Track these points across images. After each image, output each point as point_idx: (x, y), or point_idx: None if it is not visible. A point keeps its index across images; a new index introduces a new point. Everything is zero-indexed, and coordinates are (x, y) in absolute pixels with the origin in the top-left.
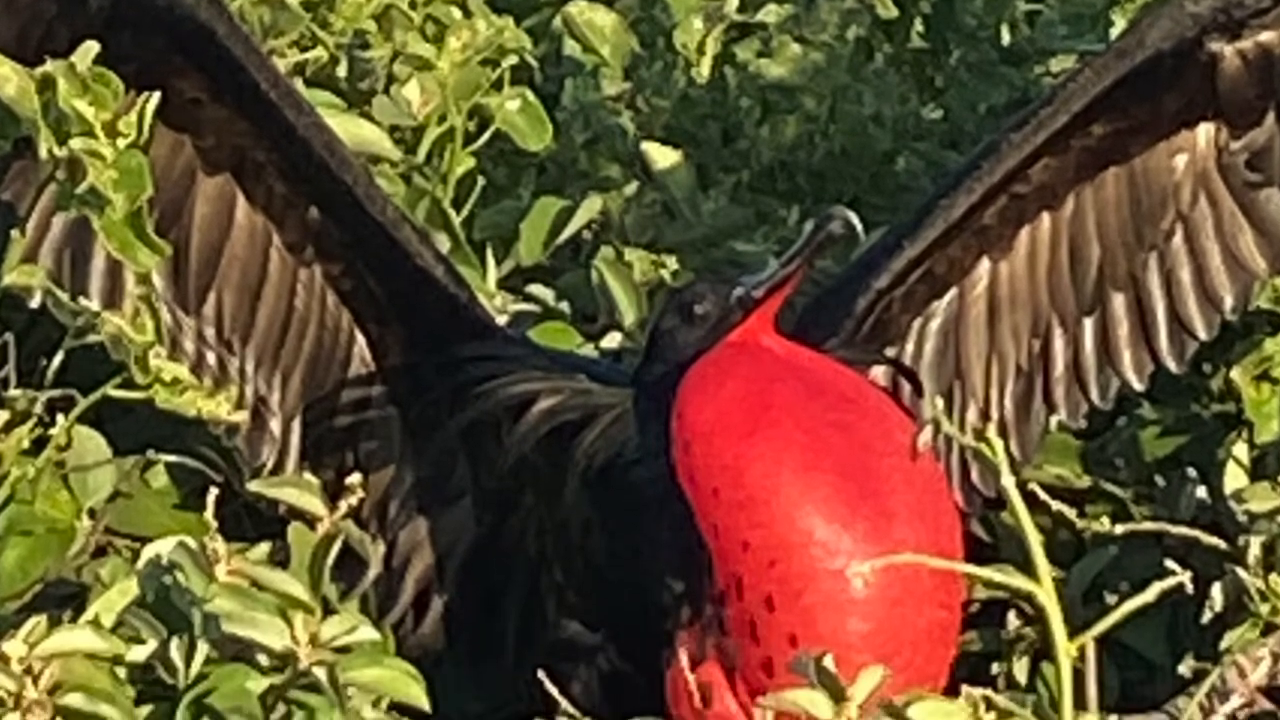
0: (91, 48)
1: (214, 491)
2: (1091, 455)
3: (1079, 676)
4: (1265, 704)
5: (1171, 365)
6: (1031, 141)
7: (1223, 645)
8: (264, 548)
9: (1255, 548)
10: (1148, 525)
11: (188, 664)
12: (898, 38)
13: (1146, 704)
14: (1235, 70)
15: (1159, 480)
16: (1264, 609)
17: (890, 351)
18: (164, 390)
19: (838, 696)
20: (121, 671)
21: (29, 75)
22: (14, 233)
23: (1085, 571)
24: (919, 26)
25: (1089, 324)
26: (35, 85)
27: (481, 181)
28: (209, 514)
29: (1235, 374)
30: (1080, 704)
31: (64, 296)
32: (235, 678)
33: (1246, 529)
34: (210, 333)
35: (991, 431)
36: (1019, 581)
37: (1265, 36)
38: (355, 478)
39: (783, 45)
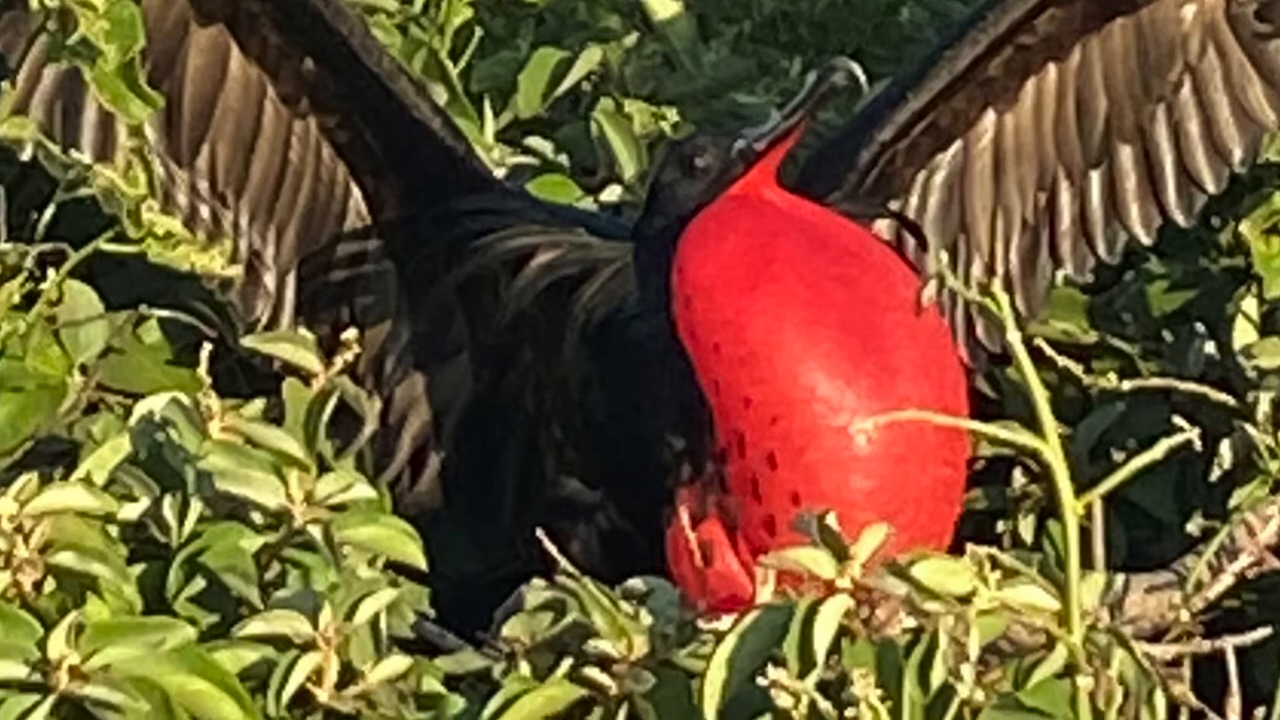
0: None
1: (207, 347)
2: (1098, 310)
3: (1085, 535)
4: (1275, 562)
5: (1179, 218)
6: None
7: (1231, 503)
8: (258, 404)
9: (1264, 404)
10: (1155, 381)
11: (181, 522)
12: None
13: (1154, 563)
14: None
15: (1167, 335)
16: (1273, 466)
17: (894, 205)
18: (157, 244)
19: (840, 555)
20: (113, 530)
21: None
22: (4, 84)
23: (1092, 428)
24: None
25: (1096, 177)
26: None
27: (479, 32)
28: (202, 370)
29: (1244, 227)
30: (1087, 563)
31: (55, 149)
32: (229, 536)
33: (1256, 385)
34: (204, 186)
35: (997, 286)
36: (1025, 438)
37: None
38: (351, 333)
39: None
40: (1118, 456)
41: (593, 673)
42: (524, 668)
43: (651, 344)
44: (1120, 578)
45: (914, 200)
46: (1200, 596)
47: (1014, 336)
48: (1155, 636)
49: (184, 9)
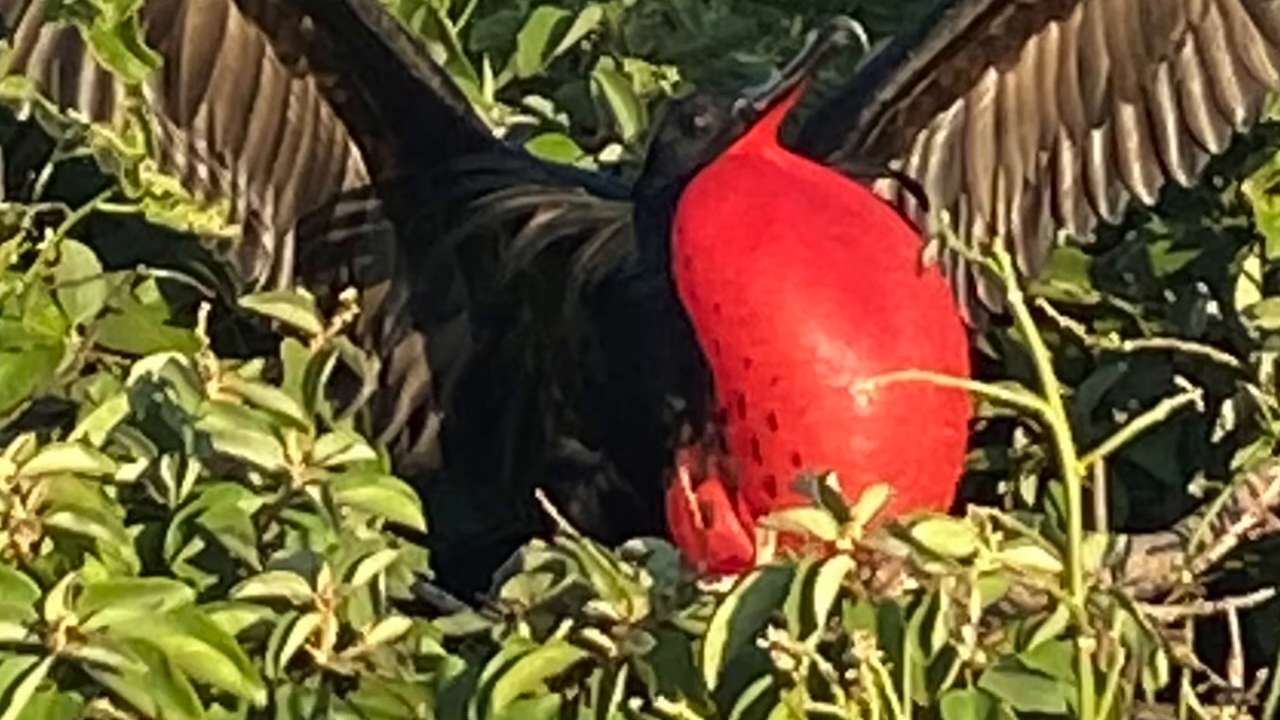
0: None
1: (205, 307)
2: (1100, 270)
3: (1087, 496)
4: (1277, 523)
5: (1182, 178)
6: None
7: (1234, 464)
8: (256, 365)
9: (1267, 364)
10: (1157, 341)
11: (179, 483)
12: None
13: (1156, 524)
14: None
15: (1169, 295)
16: (1276, 427)
17: (895, 164)
18: (155, 204)
19: (841, 516)
20: (111, 491)
21: None
22: (2, 43)
23: (1094, 389)
24: None
25: (1098, 136)
26: None
27: None
28: (200, 330)
29: (1247, 187)
30: (1089, 524)
31: (53, 108)
32: (227, 497)
33: (1258, 345)
34: (202, 145)
35: (998, 246)
36: (1026, 399)
37: None
38: (350, 293)
39: None
40: (1120, 417)
41: (592, 634)
42: (523, 629)
43: (651, 304)
44: (1122, 539)
45: (915, 160)
46: (1202, 558)
47: (1015, 296)
48: (1157, 598)
49: None
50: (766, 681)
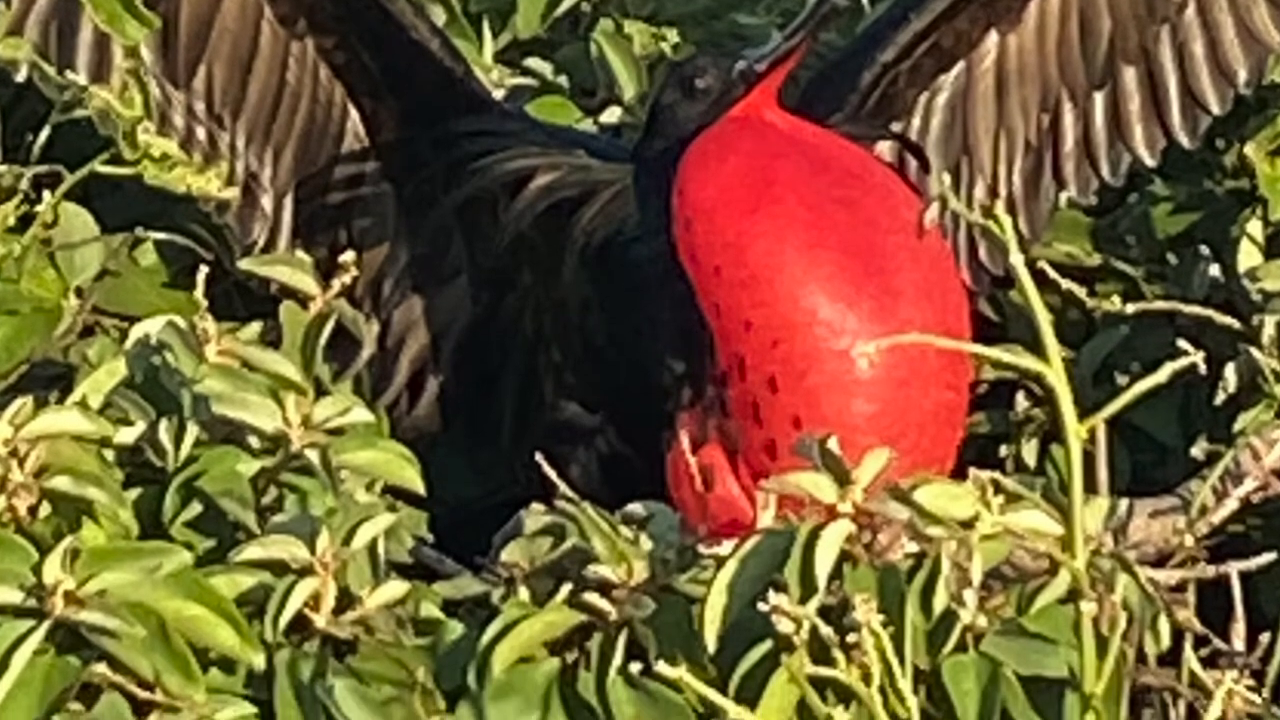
0: None
1: (204, 270)
2: (1102, 233)
3: (1089, 459)
4: (1279, 486)
5: (1184, 140)
6: None
7: (1236, 427)
8: (255, 327)
9: (1270, 327)
10: (1160, 304)
11: (177, 446)
12: None
13: (1158, 487)
14: None
15: (1171, 258)
16: (1278, 390)
17: (896, 126)
18: (153, 166)
19: (842, 480)
20: (109, 454)
21: None
22: (0, 5)
23: (1096, 351)
24: None
25: (1100, 98)
26: None
27: None
28: (199, 293)
29: (1249, 149)
30: (1090, 487)
31: (51, 70)
32: (226, 460)
33: (1261, 308)
34: (200, 107)
35: (1000, 208)
36: (1028, 362)
37: None
38: (348, 255)
39: None
40: (1121, 380)
41: (592, 598)
42: (523, 593)
43: (651, 267)
44: (1124, 502)
45: (916, 122)
46: (1205, 521)
47: (1017, 259)
48: (1159, 561)
49: None
50: (767, 645)
